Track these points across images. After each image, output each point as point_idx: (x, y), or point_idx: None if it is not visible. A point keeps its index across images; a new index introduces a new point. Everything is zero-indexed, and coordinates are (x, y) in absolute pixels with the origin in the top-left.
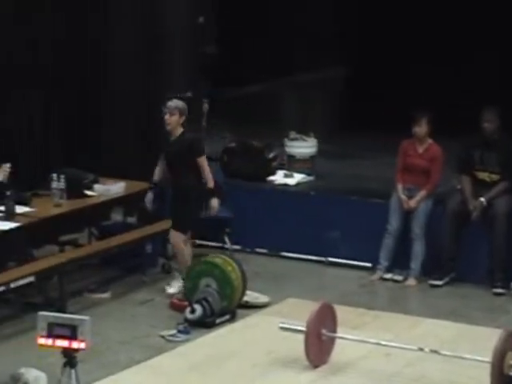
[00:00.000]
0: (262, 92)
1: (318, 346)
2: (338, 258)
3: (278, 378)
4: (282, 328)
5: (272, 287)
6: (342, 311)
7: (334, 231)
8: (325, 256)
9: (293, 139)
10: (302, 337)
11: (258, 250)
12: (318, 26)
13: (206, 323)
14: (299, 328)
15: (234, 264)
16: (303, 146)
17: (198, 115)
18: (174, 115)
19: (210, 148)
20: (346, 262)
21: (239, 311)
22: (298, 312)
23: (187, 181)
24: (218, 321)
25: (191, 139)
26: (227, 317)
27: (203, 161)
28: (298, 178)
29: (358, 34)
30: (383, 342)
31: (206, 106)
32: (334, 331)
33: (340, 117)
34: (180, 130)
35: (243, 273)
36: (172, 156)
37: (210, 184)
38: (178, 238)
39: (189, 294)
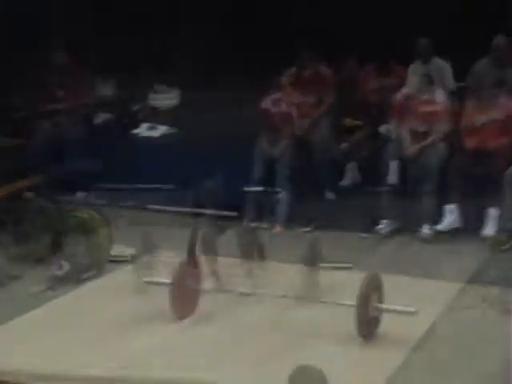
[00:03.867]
0: None
1: (183, 297)
2: None
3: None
4: (146, 282)
5: None
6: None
7: None
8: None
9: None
10: (167, 290)
11: None
12: None
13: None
14: (163, 281)
15: None
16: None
17: None
18: None
19: None
20: None
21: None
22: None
23: None
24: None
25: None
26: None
27: None
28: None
29: None
30: (247, 290)
31: None
32: (199, 283)
33: None
34: None
35: None
36: None
37: None
38: None
39: None
